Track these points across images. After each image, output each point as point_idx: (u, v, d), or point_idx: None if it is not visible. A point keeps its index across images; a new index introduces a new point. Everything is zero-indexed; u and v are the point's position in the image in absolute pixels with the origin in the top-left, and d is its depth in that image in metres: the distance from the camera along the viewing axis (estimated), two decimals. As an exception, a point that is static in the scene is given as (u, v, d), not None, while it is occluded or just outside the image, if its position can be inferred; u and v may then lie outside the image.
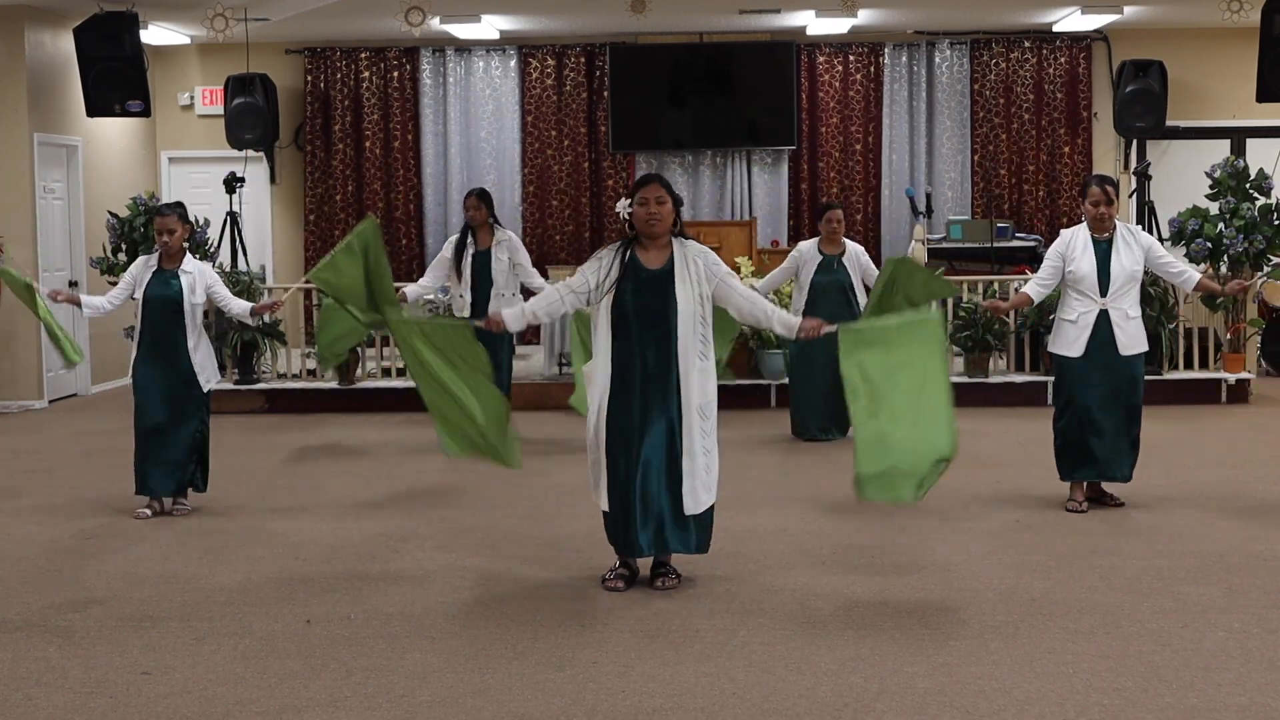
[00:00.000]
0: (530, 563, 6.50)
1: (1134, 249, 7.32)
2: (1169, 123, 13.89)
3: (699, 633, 5.39)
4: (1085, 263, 7.30)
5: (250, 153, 14.07)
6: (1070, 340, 7.36)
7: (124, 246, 11.66)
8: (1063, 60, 14.64)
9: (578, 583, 6.13)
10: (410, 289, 9.86)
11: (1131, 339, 7.33)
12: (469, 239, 9.70)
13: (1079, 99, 14.65)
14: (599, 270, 5.97)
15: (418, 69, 14.90)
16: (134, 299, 7.75)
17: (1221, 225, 11.60)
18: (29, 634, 5.52)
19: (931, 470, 5.70)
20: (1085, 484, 7.52)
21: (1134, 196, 14.02)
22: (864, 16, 13.34)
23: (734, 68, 14.78)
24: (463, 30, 13.82)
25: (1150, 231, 12.54)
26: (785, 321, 6.03)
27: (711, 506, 6.02)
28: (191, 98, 14.89)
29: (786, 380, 10.58)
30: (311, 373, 12.04)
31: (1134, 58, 13.90)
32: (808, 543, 6.80)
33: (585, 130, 14.90)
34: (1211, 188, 11.96)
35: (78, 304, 7.91)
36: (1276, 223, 11.65)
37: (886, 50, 14.74)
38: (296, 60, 14.90)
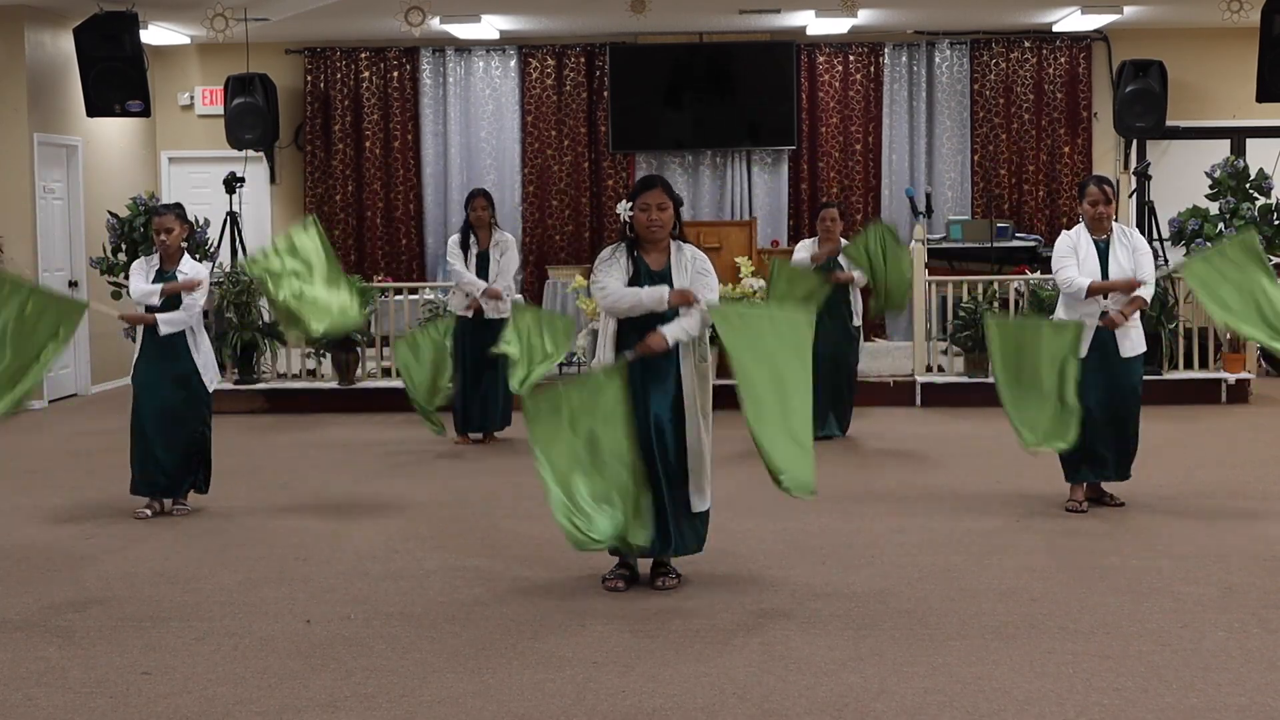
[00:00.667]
0: (530, 563, 6.49)
1: (1130, 249, 7.32)
2: (1169, 123, 13.88)
3: (699, 633, 5.39)
4: (1085, 264, 7.30)
5: (250, 153, 14.06)
6: (1070, 341, 7.36)
7: (124, 246, 11.66)
8: (1063, 60, 14.63)
9: (578, 583, 6.13)
10: (469, 279, 9.60)
11: (1131, 340, 7.33)
12: (472, 238, 9.72)
13: (1079, 99, 14.64)
14: (619, 270, 5.93)
15: (418, 69, 14.90)
16: (130, 296, 7.74)
17: (1221, 225, 11.61)
18: (29, 634, 5.51)
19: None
20: (1085, 484, 7.52)
21: (1134, 196, 14.01)
22: (864, 16, 13.33)
23: (734, 68, 14.77)
24: (463, 30, 13.82)
25: (1150, 232, 12.54)
26: (656, 295, 5.84)
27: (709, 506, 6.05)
28: (191, 98, 14.89)
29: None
30: (311, 373, 12.03)
31: (1134, 58, 13.88)
32: (808, 542, 6.80)
33: (585, 130, 14.90)
34: (1211, 188, 11.97)
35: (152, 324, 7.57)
36: (1276, 223, 11.67)
37: (886, 50, 14.74)
38: (296, 60, 14.89)
